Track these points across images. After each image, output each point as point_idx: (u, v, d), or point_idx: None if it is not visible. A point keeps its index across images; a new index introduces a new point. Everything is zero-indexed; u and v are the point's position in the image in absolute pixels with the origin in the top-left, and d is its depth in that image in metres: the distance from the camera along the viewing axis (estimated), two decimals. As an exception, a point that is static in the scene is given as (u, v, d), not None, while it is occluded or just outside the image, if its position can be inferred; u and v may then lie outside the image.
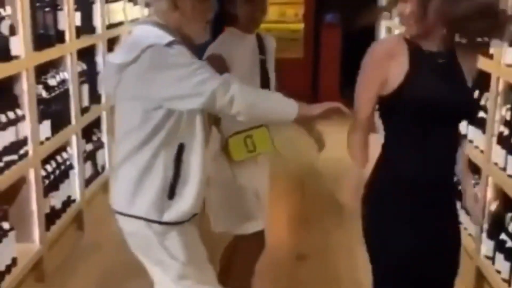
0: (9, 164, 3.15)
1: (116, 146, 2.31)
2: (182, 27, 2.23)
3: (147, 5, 4.50)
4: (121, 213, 2.30)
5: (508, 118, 3.28)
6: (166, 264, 2.29)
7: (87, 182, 4.38)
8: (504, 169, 3.22)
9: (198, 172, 2.23)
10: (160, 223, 2.23)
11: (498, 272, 3.26)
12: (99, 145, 4.66)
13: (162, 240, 2.25)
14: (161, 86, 2.11)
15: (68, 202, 4.00)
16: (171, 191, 2.20)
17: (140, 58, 2.10)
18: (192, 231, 2.35)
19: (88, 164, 4.42)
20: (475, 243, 3.57)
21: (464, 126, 3.90)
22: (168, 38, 2.14)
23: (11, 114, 3.18)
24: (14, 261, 3.23)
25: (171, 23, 2.22)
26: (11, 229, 3.19)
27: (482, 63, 3.56)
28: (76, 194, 4.15)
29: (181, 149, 2.20)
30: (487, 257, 3.42)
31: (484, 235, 3.48)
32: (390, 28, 6.62)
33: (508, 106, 3.32)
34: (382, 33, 7.16)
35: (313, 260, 3.95)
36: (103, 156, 4.73)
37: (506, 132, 3.25)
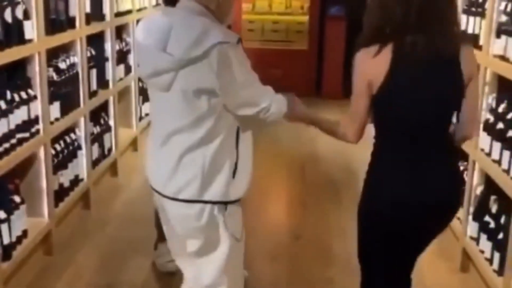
0: (21, 141, 3.32)
1: (167, 135, 2.30)
2: (221, 10, 2.31)
3: None
4: (190, 201, 2.31)
5: (494, 106, 3.44)
6: (222, 241, 2.36)
7: (94, 163, 4.56)
8: (489, 154, 3.39)
9: (251, 149, 2.39)
10: (228, 202, 2.33)
11: (482, 252, 3.43)
12: (106, 129, 4.85)
13: (226, 219, 2.35)
14: (232, 85, 2.21)
15: (76, 181, 4.18)
16: (234, 171, 2.32)
17: (211, 54, 2.13)
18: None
19: (96, 146, 4.60)
20: (462, 226, 3.74)
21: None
22: (234, 37, 2.19)
23: (23, 94, 3.35)
24: (24, 233, 3.42)
25: (211, 7, 2.28)
26: (22, 202, 3.36)
27: (471, 53, 3.73)
28: (84, 174, 4.34)
29: (238, 131, 2.33)
30: (472, 238, 3.60)
31: (470, 217, 3.65)
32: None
33: (494, 95, 3.48)
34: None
35: (309, 240, 4.13)
36: (110, 139, 4.91)
37: (492, 119, 3.41)
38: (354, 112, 2.29)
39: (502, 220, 3.24)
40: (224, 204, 2.33)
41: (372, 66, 2.18)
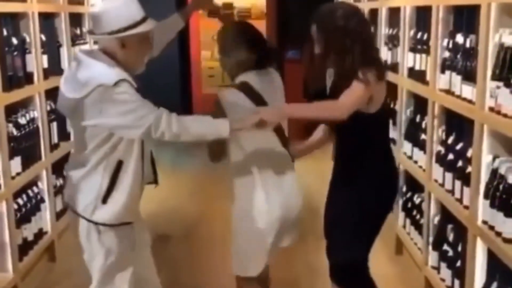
0: (-18, 198, 3.35)
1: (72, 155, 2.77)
2: (128, 60, 2.63)
3: (95, 42, 4.82)
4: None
5: (444, 138, 3.58)
6: (97, 255, 2.73)
7: (58, 215, 4.56)
8: (442, 185, 3.51)
9: (129, 185, 2.66)
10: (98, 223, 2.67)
11: (443, 280, 3.52)
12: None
13: (102, 236, 2.70)
14: (109, 117, 2.53)
15: (40, 234, 4.18)
16: (105, 197, 2.64)
17: (91, 95, 2.50)
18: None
19: (59, 198, 4.61)
20: (423, 255, 3.84)
21: (409, 148, 4.21)
22: (115, 77, 2.52)
23: (-17, 151, 3.39)
24: (-12, 289, 3.41)
25: (118, 57, 2.60)
26: (-15, 258, 3.37)
27: (419, 89, 3.90)
28: (48, 227, 4.34)
29: (119, 165, 2.63)
30: (433, 267, 3.68)
31: (429, 247, 3.74)
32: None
33: (443, 127, 3.62)
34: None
35: (277, 281, 4.15)
36: (73, 191, 4.90)
37: (443, 151, 3.54)
38: (355, 103, 2.67)
39: (459, 248, 3.34)
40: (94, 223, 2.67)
41: (377, 88, 2.74)
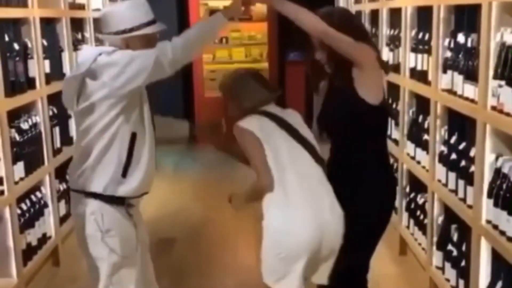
0: (-15, 203, 3.35)
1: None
2: None
3: (98, 40, 4.96)
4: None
5: (446, 138, 3.57)
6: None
7: (62, 220, 4.57)
8: (446, 185, 3.50)
9: (146, 156, 2.77)
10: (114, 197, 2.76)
11: (448, 280, 3.51)
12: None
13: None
14: (116, 78, 2.62)
15: (43, 239, 4.18)
16: (124, 171, 2.74)
17: (92, 66, 2.65)
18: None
19: (62, 203, 4.61)
20: (427, 255, 3.83)
21: (411, 149, 4.20)
22: (112, 49, 2.69)
23: (-14, 156, 3.39)
24: (-7, 295, 3.42)
25: None
26: (-11, 264, 3.37)
27: (421, 89, 3.90)
28: (51, 231, 4.34)
29: (133, 137, 2.73)
30: (438, 268, 3.68)
31: (433, 247, 3.74)
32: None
33: (446, 127, 3.62)
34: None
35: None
36: (76, 195, 4.91)
37: (445, 151, 3.54)
38: (337, 37, 2.69)
39: (464, 247, 3.33)
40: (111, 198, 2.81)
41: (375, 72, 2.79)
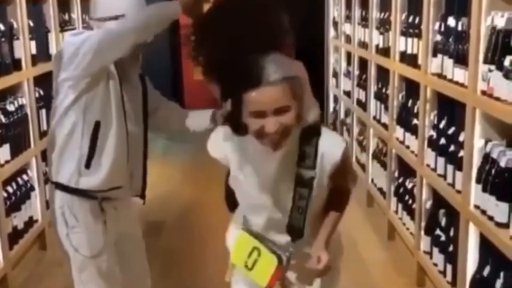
0: (-30, 186, 3.31)
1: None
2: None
3: (85, 22, 4.77)
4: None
5: (435, 122, 3.56)
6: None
7: (49, 203, 4.52)
8: (435, 169, 3.50)
9: (112, 147, 2.52)
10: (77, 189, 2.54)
11: (435, 265, 3.52)
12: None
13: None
14: (72, 57, 2.42)
15: (30, 222, 4.15)
16: (88, 163, 2.51)
17: (64, 49, 2.48)
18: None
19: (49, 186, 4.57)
20: (415, 240, 3.83)
21: (400, 133, 4.19)
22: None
23: (-29, 139, 3.35)
24: (-22, 278, 3.39)
25: None
26: (-25, 247, 3.34)
27: (411, 73, 3.88)
28: (38, 215, 4.30)
29: (97, 126, 2.49)
30: (426, 252, 3.68)
31: (422, 232, 3.74)
32: (338, 48, 6.94)
33: (435, 112, 3.60)
34: (330, 52, 7.48)
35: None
36: (63, 178, 4.87)
37: (434, 135, 3.53)
38: None
39: (452, 232, 3.33)
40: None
41: None
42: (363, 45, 5.38)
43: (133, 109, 2.60)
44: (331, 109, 7.44)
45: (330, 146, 2.03)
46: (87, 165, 2.51)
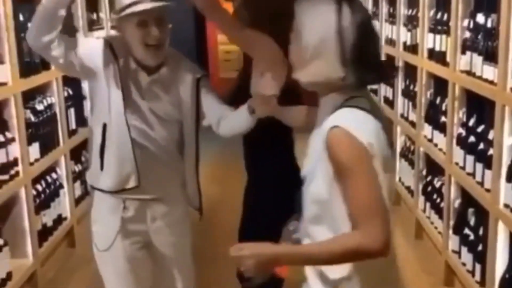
0: (0, 184, 3.35)
1: None
2: (130, 47, 2.43)
3: (112, 27, 4.87)
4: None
5: (464, 120, 3.52)
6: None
7: (77, 201, 4.58)
8: (463, 168, 3.46)
9: (117, 150, 2.47)
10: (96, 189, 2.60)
11: (464, 264, 3.48)
12: (88, 166, 4.85)
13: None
14: None
15: (59, 220, 4.20)
16: (101, 163, 2.51)
17: None
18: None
19: (78, 184, 4.62)
20: (443, 239, 3.79)
21: (429, 131, 4.15)
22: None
23: (1, 137, 3.39)
24: (9, 275, 3.41)
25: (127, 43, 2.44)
26: (5, 244, 3.37)
27: (440, 70, 3.84)
28: (67, 213, 4.35)
29: (105, 127, 2.46)
30: (454, 251, 3.64)
31: (450, 231, 3.70)
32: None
33: (464, 109, 3.56)
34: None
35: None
36: (92, 176, 4.92)
37: (464, 133, 3.49)
38: None
39: (481, 231, 3.29)
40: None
41: None
42: (391, 42, 5.34)
43: (152, 110, 2.50)
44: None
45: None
46: (101, 167, 2.51)
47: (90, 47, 2.48)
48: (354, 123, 1.65)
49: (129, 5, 2.34)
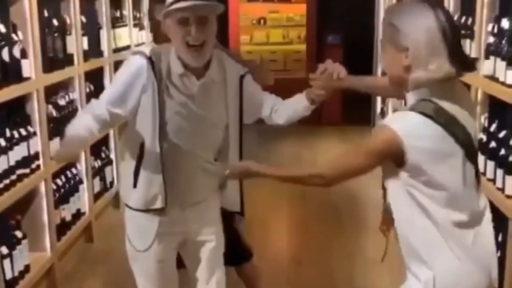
0: (21, 177, 3.38)
1: None
2: (175, 47, 2.38)
3: (135, 25, 4.84)
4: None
5: (486, 125, 3.48)
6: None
7: (96, 196, 4.61)
8: (484, 173, 3.42)
9: (148, 167, 2.46)
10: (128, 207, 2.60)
11: None
12: (107, 162, 4.90)
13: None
14: None
15: (78, 214, 4.23)
16: (134, 181, 2.49)
17: None
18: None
19: (97, 180, 4.65)
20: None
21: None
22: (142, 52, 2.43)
23: (23, 131, 3.42)
24: (27, 268, 3.45)
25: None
26: (24, 237, 3.40)
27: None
28: (86, 208, 4.39)
29: (142, 147, 2.43)
30: None
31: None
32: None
33: (486, 115, 3.53)
34: (379, 52, 7.39)
35: (311, 265, 4.14)
36: (111, 173, 4.96)
37: (484, 139, 3.45)
38: None
39: (500, 238, 3.25)
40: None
41: None
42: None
43: (203, 117, 2.46)
44: (378, 110, 7.37)
45: None
46: (134, 185, 2.50)
47: (134, 88, 2.40)
48: (405, 126, 1.89)
49: (173, 2, 2.29)
